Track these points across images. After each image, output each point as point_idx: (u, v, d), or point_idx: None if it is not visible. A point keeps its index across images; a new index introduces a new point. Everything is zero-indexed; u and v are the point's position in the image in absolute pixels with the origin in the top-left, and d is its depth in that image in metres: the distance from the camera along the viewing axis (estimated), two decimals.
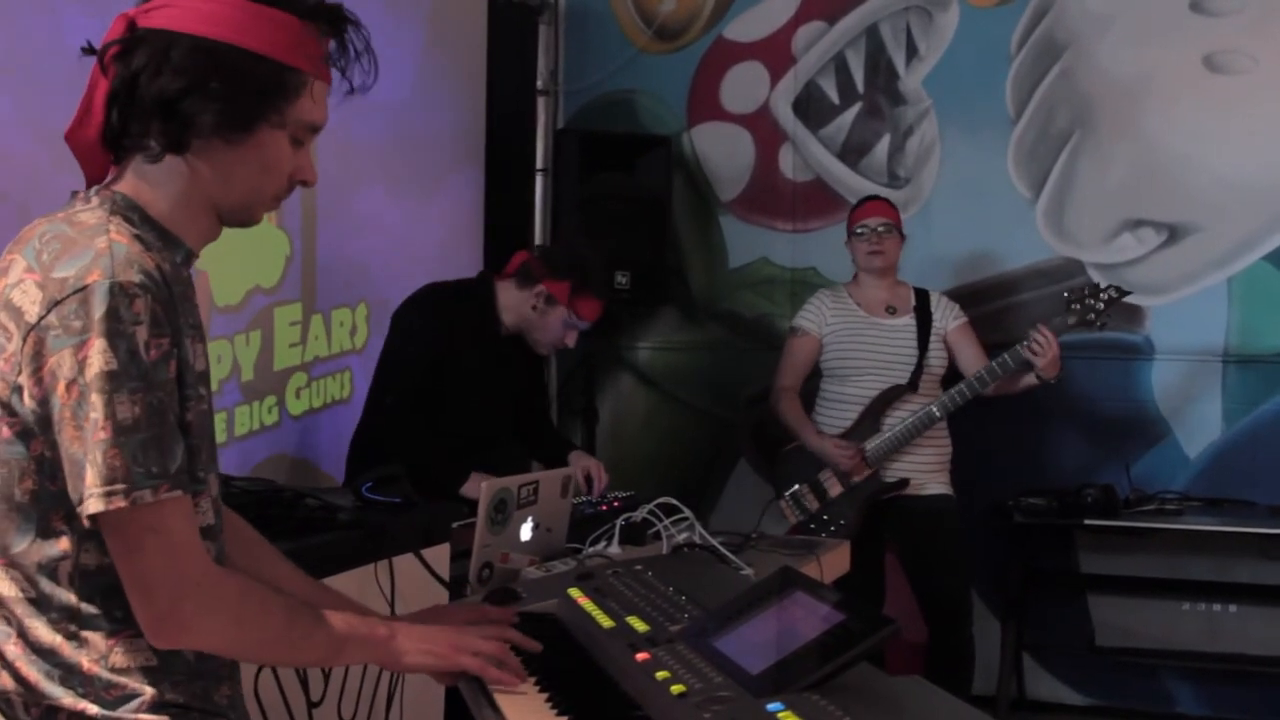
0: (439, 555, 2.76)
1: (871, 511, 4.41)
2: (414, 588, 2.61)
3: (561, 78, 5.79)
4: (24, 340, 1.49)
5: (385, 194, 4.50)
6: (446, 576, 2.68)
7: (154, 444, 1.48)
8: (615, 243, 5.19)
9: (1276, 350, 4.85)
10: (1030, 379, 4.31)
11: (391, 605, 2.62)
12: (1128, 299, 4.74)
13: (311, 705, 2.51)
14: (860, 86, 5.40)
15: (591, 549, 2.84)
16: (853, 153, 5.41)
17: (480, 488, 2.54)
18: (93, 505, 1.45)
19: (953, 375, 4.47)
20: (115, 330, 1.46)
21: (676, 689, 1.68)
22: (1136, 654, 4.87)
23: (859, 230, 4.51)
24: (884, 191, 5.03)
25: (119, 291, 1.47)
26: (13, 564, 1.54)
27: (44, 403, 1.49)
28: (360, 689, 2.66)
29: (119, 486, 1.46)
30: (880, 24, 5.36)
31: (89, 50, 1.62)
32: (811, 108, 5.46)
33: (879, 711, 1.51)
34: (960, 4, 5.23)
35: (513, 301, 3.88)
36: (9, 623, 1.55)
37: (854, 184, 5.30)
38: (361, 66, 1.67)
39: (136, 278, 1.49)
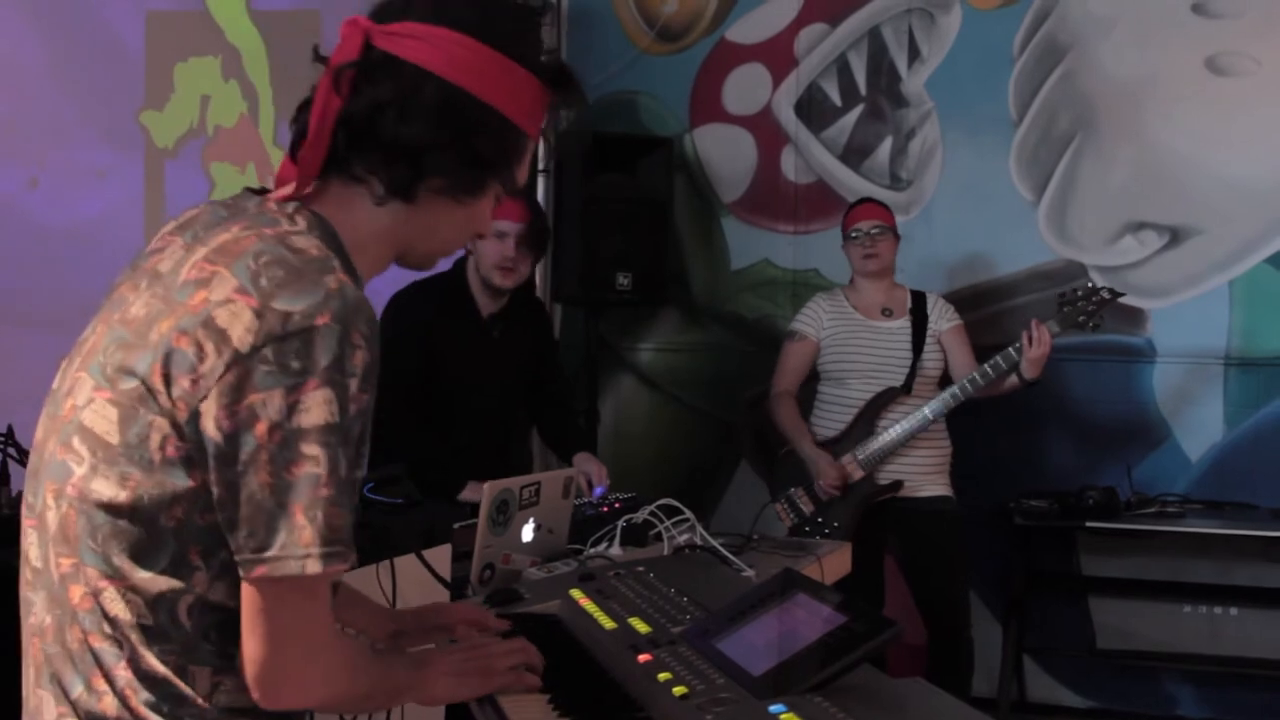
0: (440, 556, 2.75)
1: (870, 513, 4.41)
2: (415, 588, 2.60)
3: None
4: (227, 368, 1.37)
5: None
6: (448, 577, 2.67)
7: (350, 505, 1.42)
8: (617, 244, 5.20)
9: (1278, 353, 4.84)
10: (1013, 379, 4.31)
11: (393, 606, 2.61)
12: (1130, 302, 4.76)
13: None
14: (862, 88, 5.40)
15: (593, 550, 2.84)
16: (855, 155, 5.41)
17: (481, 490, 2.54)
18: (310, 566, 1.37)
19: (949, 377, 4.47)
20: (338, 382, 1.38)
21: (679, 690, 1.68)
22: (1138, 656, 4.87)
23: (853, 234, 4.51)
24: (886, 194, 5.04)
25: (347, 341, 1.39)
26: (133, 589, 1.44)
27: (232, 438, 1.37)
28: None
29: (339, 549, 1.39)
30: (882, 26, 5.36)
31: (320, 59, 1.54)
32: (813, 109, 5.47)
33: (881, 713, 1.52)
34: (962, 6, 5.23)
35: (472, 270, 3.90)
36: (121, 647, 1.45)
37: (856, 186, 5.30)
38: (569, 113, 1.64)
39: (364, 329, 1.41)
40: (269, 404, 1.36)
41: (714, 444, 5.62)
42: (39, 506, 1.52)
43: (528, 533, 2.64)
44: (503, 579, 2.53)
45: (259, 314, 1.38)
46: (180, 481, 1.41)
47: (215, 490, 1.40)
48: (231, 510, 1.39)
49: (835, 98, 5.44)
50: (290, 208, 1.52)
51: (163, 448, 1.41)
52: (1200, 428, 4.93)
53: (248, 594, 1.42)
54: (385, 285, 3.88)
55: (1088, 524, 4.63)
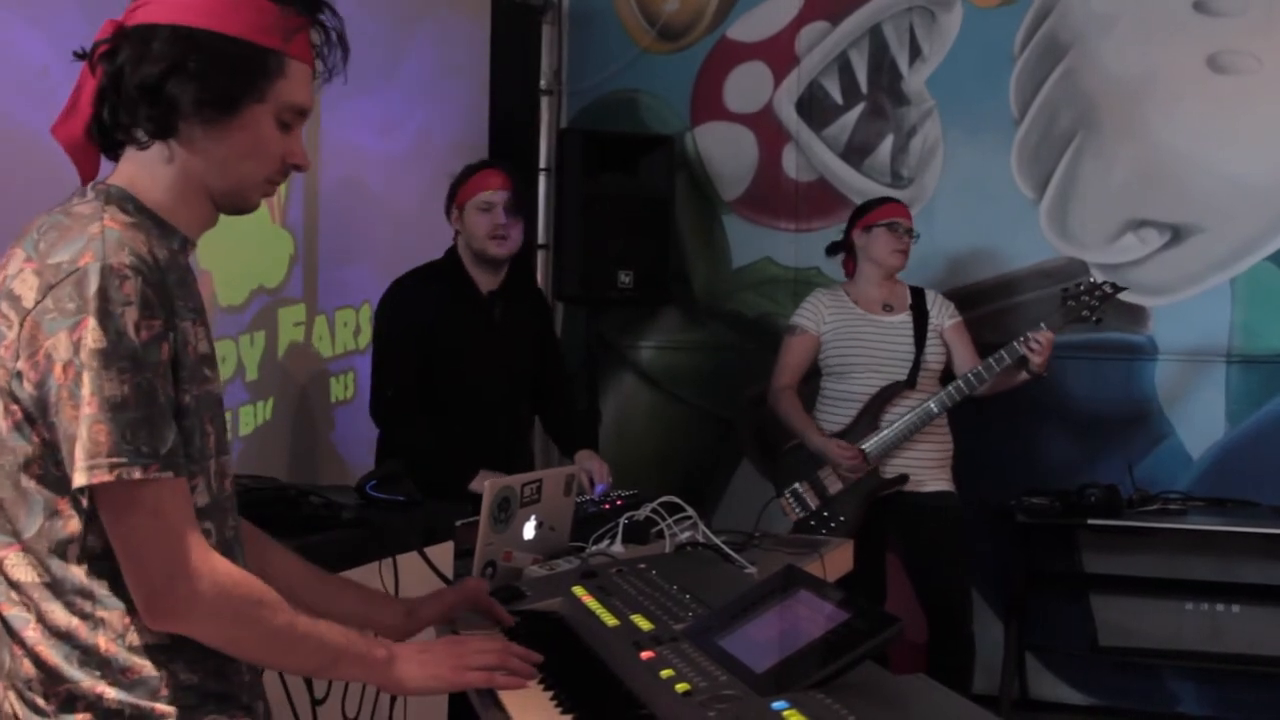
0: (442, 553, 2.76)
1: (873, 508, 4.41)
2: (417, 586, 2.61)
3: (565, 77, 5.80)
4: (21, 325, 1.52)
5: (387, 193, 4.50)
6: (450, 575, 2.68)
7: (144, 424, 1.50)
8: (618, 243, 5.21)
9: (1279, 350, 4.84)
10: (1023, 374, 4.32)
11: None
12: (1131, 299, 4.76)
13: (315, 703, 2.51)
14: (864, 87, 5.40)
15: (594, 548, 2.84)
16: (856, 153, 5.41)
17: (485, 486, 2.54)
18: (79, 478, 1.48)
19: (950, 372, 4.47)
20: (105, 310, 1.48)
21: (681, 687, 1.68)
22: (1139, 654, 4.87)
23: (889, 224, 4.48)
24: (887, 192, 5.04)
25: (109, 273, 1.50)
26: (27, 548, 1.56)
27: (41, 385, 1.51)
28: (364, 686, 2.66)
29: (103, 460, 1.48)
30: (883, 24, 5.36)
31: (80, 55, 1.66)
32: (815, 108, 5.47)
33: (884, 710, 1.52)
34: (963, 4, 5.23)
35: (464, 250, 3.90)
36: (28, 608, 1.56)
37: (857, 184, 5.31)
38: (338, 53, 1.70)
39: (127, 260, 1.51)
40: (58, 346, 1.49)
41: (715, 442, 5.62)
42: None
43: (529, 530, 2.64)
44: (504, 576, 2.53)
45: (39, 273, 1.53)
46: (26, 442, 1.54)
47: (48, 436, 1.53)
48: (61, 452, 1.52)
49: (836, 96, 5.44)
50: (90, 185, 1.66)
51: (4, 418, 1.55)
52: (1202, 425, 4.93)
53: (105, 524, 1.54)
54: (385, 280, 3.90)
55: (1089, 521, 4.63)
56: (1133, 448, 4.96)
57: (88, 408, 1.47)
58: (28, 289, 1.53)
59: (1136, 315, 4.98)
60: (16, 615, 1.57)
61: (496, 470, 3.50)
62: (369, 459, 3.91)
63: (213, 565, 1.57)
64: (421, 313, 3.80)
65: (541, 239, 5.63)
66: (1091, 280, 4.43)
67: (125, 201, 1.62)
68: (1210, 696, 4.93)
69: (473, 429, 3.83)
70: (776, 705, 1.55)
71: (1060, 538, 4.95)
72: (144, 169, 1.64)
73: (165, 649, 1.57)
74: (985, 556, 4.88)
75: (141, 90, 1.59)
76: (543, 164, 5.68)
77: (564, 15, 5.77)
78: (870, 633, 1.63)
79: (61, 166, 1.71)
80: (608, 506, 3.45)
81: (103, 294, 1.49)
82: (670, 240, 5.46)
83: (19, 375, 1.52)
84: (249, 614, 1.60)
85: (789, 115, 5.50)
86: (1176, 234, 4.95)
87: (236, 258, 3.69)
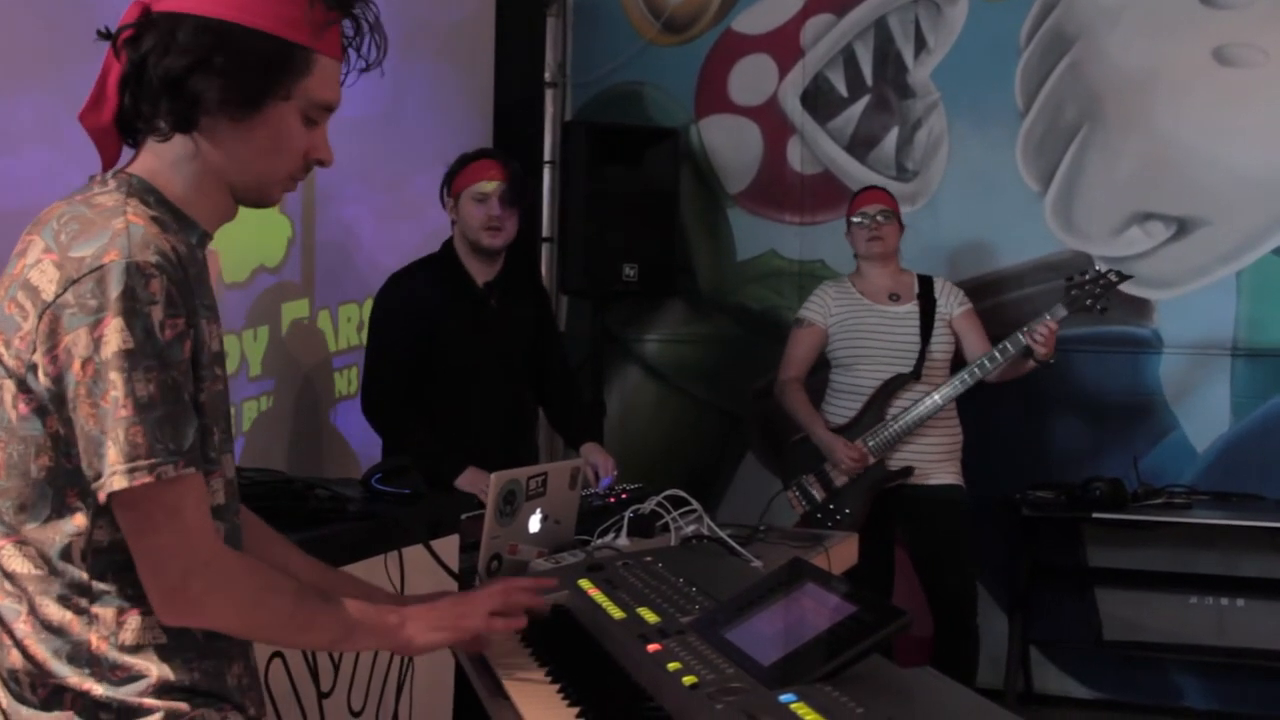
0: (448, 546, 2.75)
1: (880, 501, 4.41)
2: (423, 579, 2.61)
3: (569, 70, 5.79)
4: (40, 318, 1.50)
5: (391, 185, 4.50)
6: (455, 568, 2.68)
7: (169, 422, 1.49)
8: (623, 235, 5.20)
9: None
10: (1030, 363, 4.32)
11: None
12: (1136, 293, 4.76)
13: (321, 695, 2.51)
14: (869, 79, 5.39)
15: (600, 541, 2.84)
16: (861, 145, 5.40)
17: (480, 477, 2.53)
18: (117, 482, 1.46)
19: (958, 362, 4.47)
20: (131, 309, 1.47)
21: (688, 680, 1.68)
22: (1144, 648, 4.88)
23: (857, 219, 4.51)
24: (892, 184, 5.03)
25: (135, 271, 1.48)
26: (25, 540, 1.55)
27: (59, 380, 1.49)
28: (370, 679, 2.66)
29: (142, 463, 1.47)
30: (889, 16, 5.35)
31: (104, 35, 1.63)
32: (820, 100, 5.46)
33: (891, 702, 1.51)
34: None
35: (459, 240, 3.89)
36: (20, 600, 1.56)
37: (862, 176, 5.30)
38: (374, 43, 1.68)
39: (153, 258, 1.50)
40: (78, 342, 1.48)
41: (720, 435, 5.62)
42: None
43: (535, 523, 2.64)
44: (510, 569, 2.53)
45: (59, 265, 1.51)
46: (38, 432, 1.53)
47: (62, 431, 1.52)
48: (76, 447, 1.51)
49: (841, 88, 5.43)
50: (108, 175, 1.63)
51: (15, 406, 1.54)
52: (1207, 419, 4.93)
53: (120, 523, 1.53)
54: (386, 273, 3.90)
55: (1094, 515, 4.63)
56: (1138, 441, 4.96)
57: (122, 410, 1.46)
58: (47, 281, 1.51)
59: (1141, 308, 4.97)
60: (8, 606, 1.57)
61: (489, 466, 3.50)
62: (373, 453, 3.91)
63: (226, 557, 1.58)
64: (416, 305, 3.79)
65: (546, 232, 5.63)
66: (1096, 269, 4.43)
67: (147, 193, 1.60)
68: (1215, 690, 4.93)
69: (470, 421, 3.82)
70: (784, 698, 1.55)
71: (1065, 531, 4.95)
72: (165, 160, 1.63)
73: (160, 649, 1.57)
74: (990, 550, 4.87)
75: (164, 83, 1.57)
76: (547, 157, 5.68)
77: (569, 8, 5.77)
78: (877, 625, 1.63)
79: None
80: (613, 500, 3.44)
81: (129, 293, 1.47)
82: (675, 233, 5.45)
83: (34, 367, 1.51)
84: (265, 599, 1.61)
85: (794, 108, 5.49)
86: (1182, 227, 4.94)
87: (237, 237, 3.69)
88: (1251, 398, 4.89)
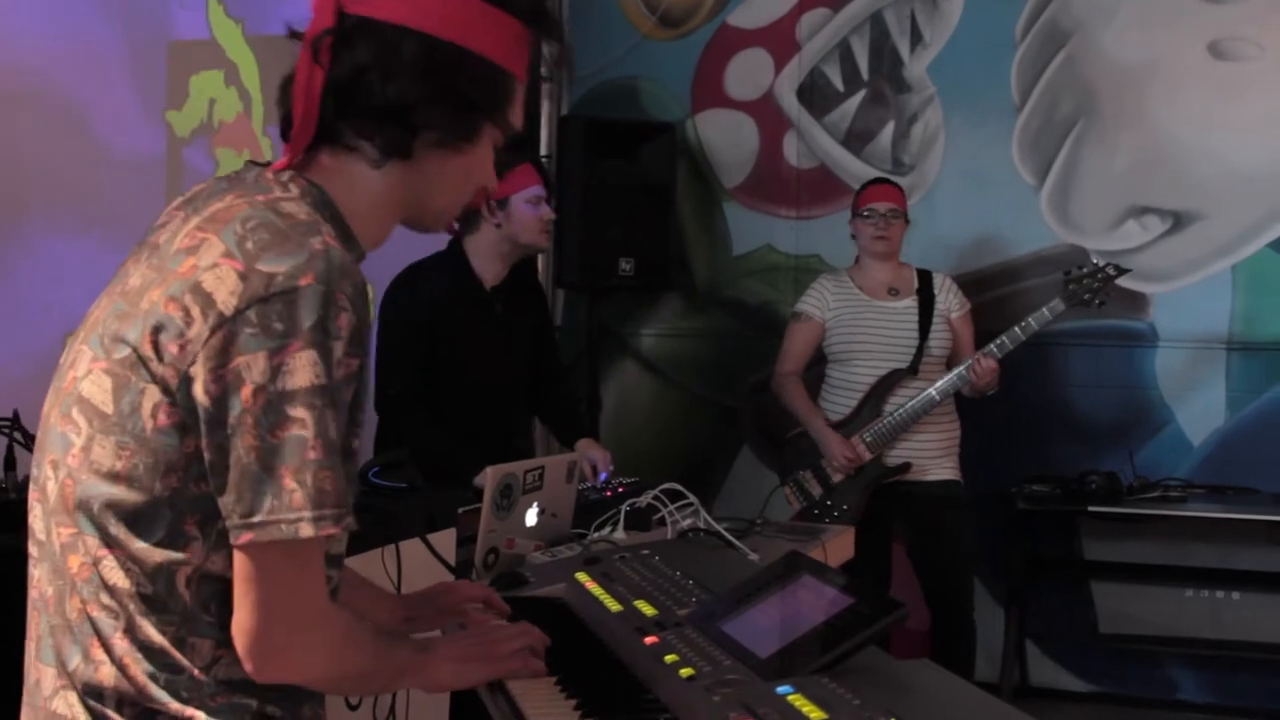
0: (445, 540, 2.75)
1: (877, 496, 4.42)
2: (420, 572, 2.61)
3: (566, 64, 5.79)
4: (212, 331, 1.37)
5: None
6: (452, 561, 2.68)
7: (348, 473, 1.41)
8: (619, 229, 5.20)
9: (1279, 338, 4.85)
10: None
11: (398, 591, 2.62)
12: (1132, 286, 4.76)
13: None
14: (864, 73, 5.39)
15: (596, 534, 2.85)
16: (857, 140, 5.40)
17: (487, 473, 2.54)
18: (306, 530, 1.36)
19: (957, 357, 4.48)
20: (322, 343, 1.36)
21: (685, 672, 1.68)
22: (1140, 641, 4.87)
23: (865, 213, 4.50)
24: (893, 179, 5.02)
25: (330, 302, 1.37)
26: (132, 558, 1.43)
27: (220, 402, 1.36)
28: None
29: (330, 512, 1.37)
30: (884, 11, 5.35)
31: (295, 35, 1.53)
32: (816, 94, 5.46)
33: (888, 694, 1.52)
34: None
35: (486, 243, 3.85)
36: (117, 616, 1.44)
37: (858, 171, 5.30)
38: (558, 52, 1.66)
39: (349, 291, 1.39)
40: (253, 366, 1.35)
41: (716, 429, 5.63)
42: (41, 479, 1.52)
43: (531, 517, 2.64)
44: (506, 563, 2.53)
45: (243, 276, 1.37)
46: (173, 449, 1.40)
47: (207, 456, 1.38)
48: (221, 476, 1.38)
49: (837, 83, 5.43)
50: (285, 176, 1.51)
51: (155, 415, 1.40)
52: (1202, 412, 4.93)
53: (238, 562, 1.40)
54: (383, 270, 3.89)
55: (1090, 509, 4.63)
56: (1133, 435, 4.96)
57: (312, 452, 1.35)
58: (227, 292, 1.37)
59: (1137, 302, 4.98)
60: (105, 620, 1.44)
61: (488, 462, 3.50)
62: (370, 443, 3.90)
63: (332, 616, 1.49)
64: (426, 306, 3.78)
65: None
66: (1095, 263, 4.43)
67: (326, 207, 1.49)
68: (1210, 683, 4.94)
69: (475, 421, 3.82)
70: (781, 690, 1.55)
71: (1061, 525, 4.95)
72: (351, 174, 1.53)
73: (249, 685, 1.46)
74: (986, 544, 4.88)
75: (390, 109, 1.49)
76: (544, 151, 5.67)
77: (565, 2, 5.76)
78: (874, 617, 1.63)
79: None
80: (609, 494, 3.45)
81: (322, 324, 1.36)
82: (671, 227, 5.45)
83: (190, 381, 1.38)
84: (349, 660, 1.53)
85: (790, 102, 5.49)
86: (1178, 221, 4.95)
87: None
88: (1247, 391, 4.90)
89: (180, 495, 1.41)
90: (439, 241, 3.94)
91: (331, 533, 1.38)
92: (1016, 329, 4.28)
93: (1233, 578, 4.74)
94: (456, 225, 3.86)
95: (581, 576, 2.26)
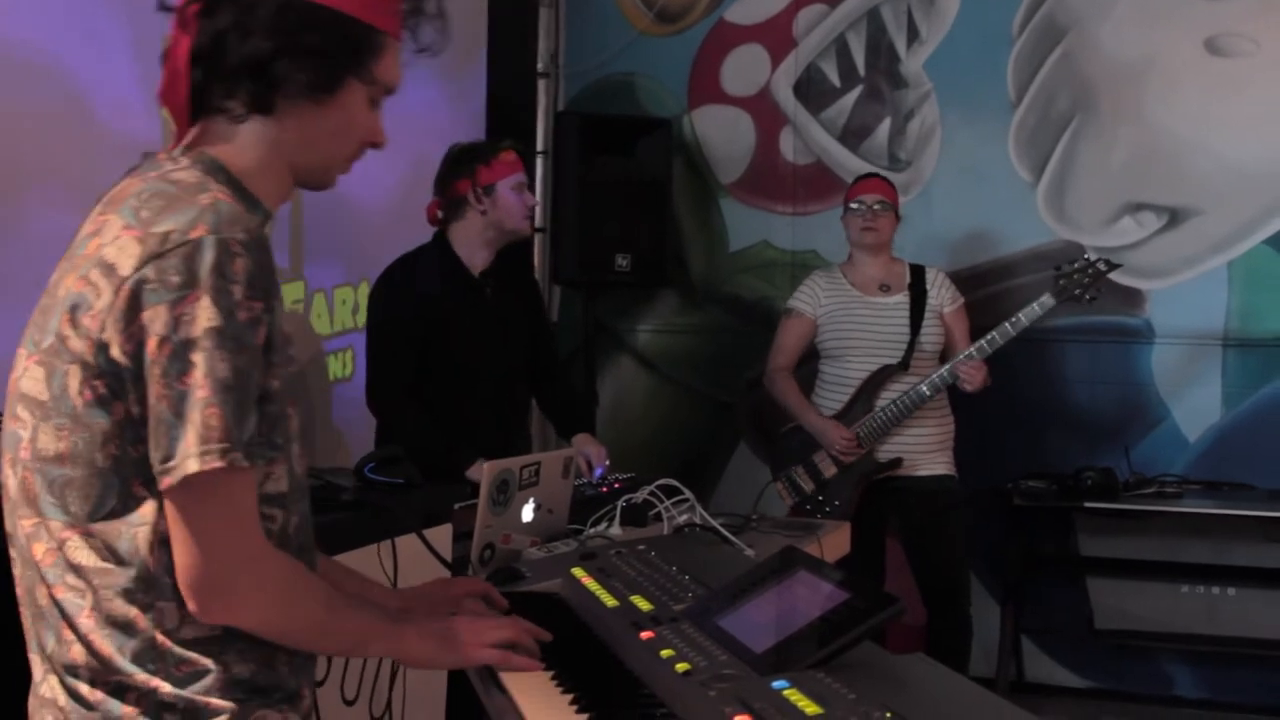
0: (441, 536, 2.76)
1: (871, 491, 4.42)
2: (416, 568, 2.61)
3: (562, 60, 5.79)
4: (115, 294, 1.44)
5: (385, 174, 4.50)
6: (449, 557, 2.68)
7: (241, 409, 1.44)
8: (616, 226, 5.20)
9: (1276, 334, 4.85)
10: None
11: (394, 586, 2.62)
12: (1128, 282, 4.76)
13: (314, 685, 2.51)
14: (861, 69, 5.39)
15: (593, 530, 2.85)
16: (853, 135, 5.40)
17: (483, 469, 2.54)
18: (191, 465, 1.41)
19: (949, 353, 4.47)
20: (220, 288, 1.42)
21: (681, 667, 1.69)
22: (1135, 637, 4.88)
23: (854, 205, 4.50)
24: (884, 174, 5.03)
25: (224, 248, 1.43)
26: (93, 533, 1.49)
27: (136, 358, 1.44)
28: (363, 668, 2.67)
29: (215, 446, 1.41)
30: (881, 7, 5.35)
31: (164, 7, 1.61)
32: (812, 90, 5.46)
33: (884, 688, 1.52)
34: None
35: (471, 230, 3.84)
36: (83, 595, 1.50)
37: (855, 167, 5.29)
38: (435, 26, 1.70)
39: (240, 236, 1.46)
40: (157, 319, 1.42)
41: (713, 425, 5.63)
42: (3, 480, 1.59)
43: (528, 513, 2.64)
44: (503, 559, 2.53)
45: (141, 240, 1.45)
46: (105, 420, 1.47)
47: (135, 413, 1.46)
48: (146, 430, 1.45)
49: (834, 79, 5.43)
50: (177, 152, 1.60)
51: (81, 392, 1.48)
52: (1198, 408, 4.94)
53: (167, 508, 1.47)
54: (380, 258, 3.90)
55: (1086, 505, 4.64)
56: (1129, 431, 4.97)
57: (200, 390, 1.41)
58: (126, 256, 1.45)
59: (1133, 298, 4.98)
60: (71, 600, 1.50)
61: (492, 456, 3.50)
62: (368, 435, 3.90)
63: (271, 555, 1.53)
64: (416, 296, 3.78)
65: (539, 222, 5.62)
66: (1086, 258, 4.42)
67: (218, 171, 1.56)
68: (1206, 679, 4.95)
69: (471, 410, 3.82)
70: (776, 684, 1.55)
71: (1057, 521, 4.95)
72: (234, 139, 1.60)
73: (216, 640, 1.51)
74: (982, 539, 4.88)
75: (247, 64, 1.55)
76: (540, 147, 5.67)
77: None
78: (869, 612, 1.63)
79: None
80: (605, 489, 3.45)
81: (218, 270, 1.42)
82: (668, 223, 5.45)
83: (105, 346, 1.45)
84: (300, 602, 1.56)
85: (786, 98, 5.49)
86: (1174, 217, 4.95)
87: None
88: (1243, 387, 4.90)
89: (122, 462, 1.48)
90: (424, 236, 3.95)
91: (216, 466, 1.41)
92: (1006, 325, 4.28)
93: (1228, 573, 4.74)
94: (440, 215, 3.88)
95: (578, 572, 2.26)
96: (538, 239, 5.63)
